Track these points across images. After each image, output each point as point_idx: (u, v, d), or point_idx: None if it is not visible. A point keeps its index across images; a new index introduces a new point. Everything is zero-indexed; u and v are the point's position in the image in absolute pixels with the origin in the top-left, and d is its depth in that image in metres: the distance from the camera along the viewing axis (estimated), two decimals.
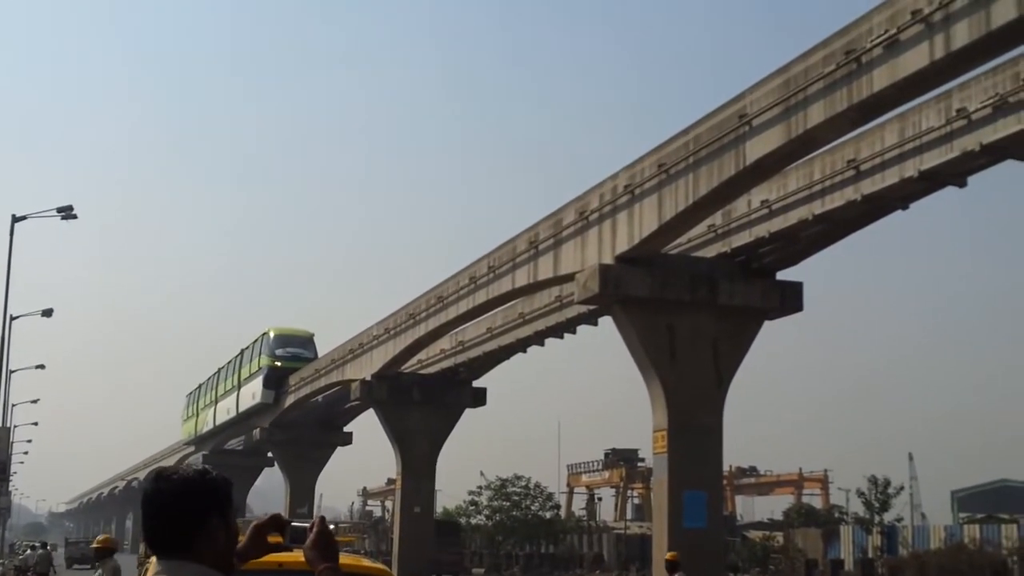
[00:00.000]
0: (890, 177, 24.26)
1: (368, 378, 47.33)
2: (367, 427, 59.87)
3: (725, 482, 70.17)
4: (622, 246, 26.86)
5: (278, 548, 3.45)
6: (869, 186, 24.80)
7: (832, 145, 23.91)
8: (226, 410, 73.82)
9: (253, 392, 65.42)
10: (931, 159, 23.39)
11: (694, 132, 24.17)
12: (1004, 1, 16.37)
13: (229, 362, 75.95)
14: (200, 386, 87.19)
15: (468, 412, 49.46)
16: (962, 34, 17.16)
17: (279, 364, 62.61)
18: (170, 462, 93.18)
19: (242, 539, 3.36)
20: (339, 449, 68.31)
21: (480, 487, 65.13)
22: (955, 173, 23.80)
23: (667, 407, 27.17)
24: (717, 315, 27.87)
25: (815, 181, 26.04)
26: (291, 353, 63.11)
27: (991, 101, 21.67)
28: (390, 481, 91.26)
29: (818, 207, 26.13)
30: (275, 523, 3.44)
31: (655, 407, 27.73)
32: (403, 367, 46.56)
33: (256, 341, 67.78)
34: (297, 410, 62.05)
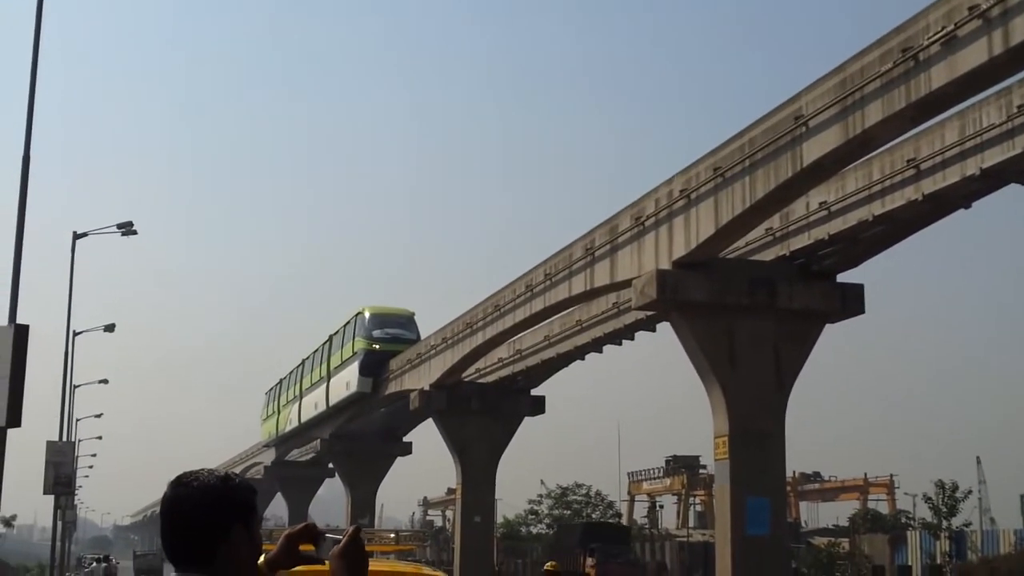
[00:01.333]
0: (951, 176, 23.86)
1: (427, 388, 47.48)
2: (427, 437, 60.01)
3: (788, 488, 69.50)
4: (679, 251, 26.69)
5: (310, 559, 3.25)
6: (930, 185, 24.41)
7: (891, 144, 23.58)
8: (313, 404, 66.29)
9: (347, 381, 57.55)
10: (992, 156, 22.98)
11: (749, 135, 23.97)
12: None
13: (316, 351, 68.15)
14: (281, 381, 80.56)
15: (527, 420, 49.44)
16: (1021, 29, 16.90)
17: (377, 347, 54.74)
18: (243, 467, 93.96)
19: (271, 548, 3.21)
20: (399, 459, 68.62)
21: (540, 496, 65.02)
22: (1018, 171, 23.37)
23: (728, 413, 26.92)
24: (777, 319, 27.56)
25: (874, 181, 25.69)
26: (391, 335, 55.19)
27: None
28: (450, 491, 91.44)
29: (878, 208, 25.75)
30: (308, 533, 3.23)
31: (716, 413, 27.49)
32: (461, 376, 46.64)
33: (348, 324, 59.57)
34: (359, 419, 62.34)
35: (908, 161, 24.70)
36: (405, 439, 67.01)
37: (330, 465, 74.55)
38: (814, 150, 21.76)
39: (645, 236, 28.23)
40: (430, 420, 51.19)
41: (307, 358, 70.49)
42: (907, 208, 25.36)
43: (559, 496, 64.27)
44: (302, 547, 3.24)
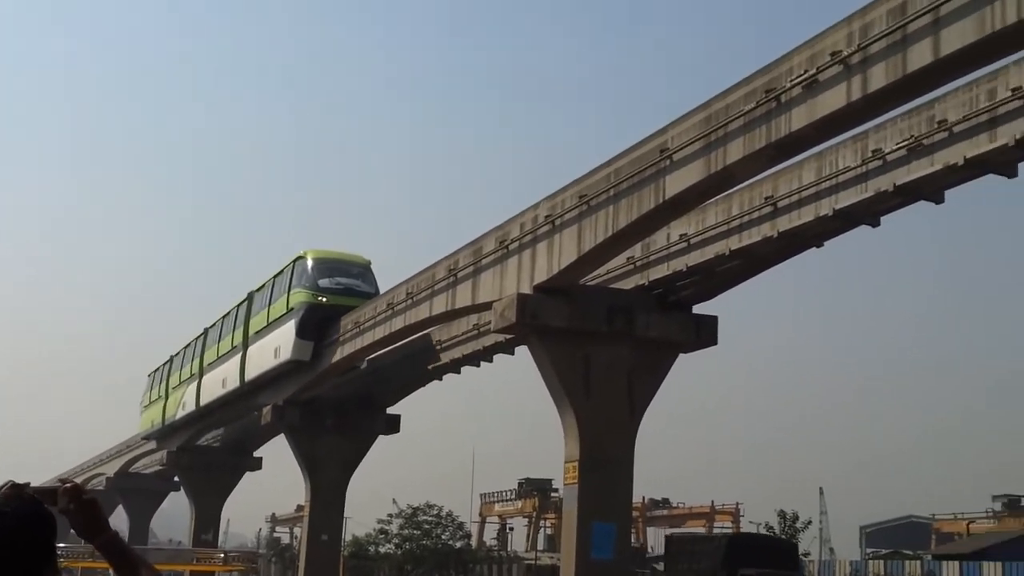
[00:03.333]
0: (806, 215, 24.60)
1: (280, 403, 46.65)
2: (278, 452, 58.56)
3: (637, 514, 70.47)
4: (541, 276, 26.86)
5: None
6: (786, 223, 25.12)
7: (751, 181, 24.20)
8: (220, 381, 52.00)
9: (277, 346, 43.97)
10: (846, 198, 23.77)
11: (615, 164, 24.28)
12: (920, 46, 16.67)
13: (225, 315, 54.47)
14: (172, 358, 65.20)
15: (382, 439, 49.00)
16: (879, 77, 17.46)
17: (324, 300, 42.07)
18: (84, 477, 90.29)
19: None
20: (248, 474, 67.20)
21: (391, 515, 64.51)
22: (869, 212, 24.20)
23: (579, 438, 27.15)
24: (633, 347, 27.97)
25: (733, 216, 26.31)
26: (343, 285, 42.70)
27: (905, 143, 22.09)
28: (299, 508, 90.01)
29: (735, 242, 26.39)
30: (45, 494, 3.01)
31: (568, 438, 27.70)
32: (316, 392, 45.98)
33: (281, 273, 46.23)
34: (206, 432, 60.81)
35: (766, 198, 25.36)
36: (256, 454, 65.69)
37: (175, 478, 72.53)
38: (677, 183, 22.14)
39: (508, 259, 28.33)
40: (282, 435, 50.24)
41: (211, 326, 57.06)
42: (762, 244, 26.05)
43: (409, 516, 63.83)
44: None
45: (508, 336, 32.07)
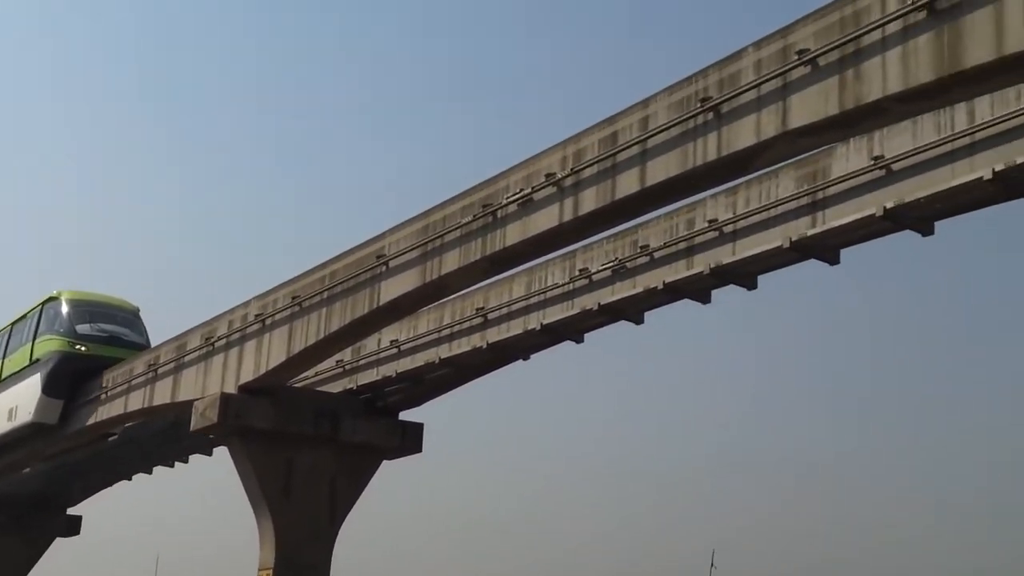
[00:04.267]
0: (515, 328, 25.26)
1: None
2: None
3: None
4: (247, 376, 26.19)
5: None
6: (495, 335, 25.69)
7: (464, 292, 24.64)
8: None
9: (14, 406, 35.80)
10: (553, 314, 24.59)
11: (331, 267, 24.16)
12: (628, 174, 17.55)
13: None
14: None
15: (60, 542, 45.72)
16: (589, 200, 18.22)
17: (83, 349, 34.84)
18: None
19: None
20: None
21: None
22: (574, 329, 25.10)
23: (276, 544, 26.39)
24: (338, 451, 27.65)
25: (444, 325, 26.68)
26: (107, 333, 35.51)
27: (610, 265, 23.16)
28: None
29: (445, 351, 26.73)
30: None
31: (263, 543, 26.85)
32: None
33: (26, 316, 38.32)
34: None
35: (478, 310, 25.89)
36: None
37: None
38: (393, 289, 22.25)
39: (214, 357, 27.48)
40: None
41: None
42: (472, 354, 26.51)
43: None
44: None
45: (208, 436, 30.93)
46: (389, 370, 27.79)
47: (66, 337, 34.97)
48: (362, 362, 28.44)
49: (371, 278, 22.78)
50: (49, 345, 35.30)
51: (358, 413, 28.34)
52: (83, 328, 35.19)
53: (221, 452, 32.79)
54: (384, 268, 22.40)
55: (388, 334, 27.25)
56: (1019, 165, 16.36)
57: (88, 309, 36.27)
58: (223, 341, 27.22)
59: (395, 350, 27.54)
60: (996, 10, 12.36)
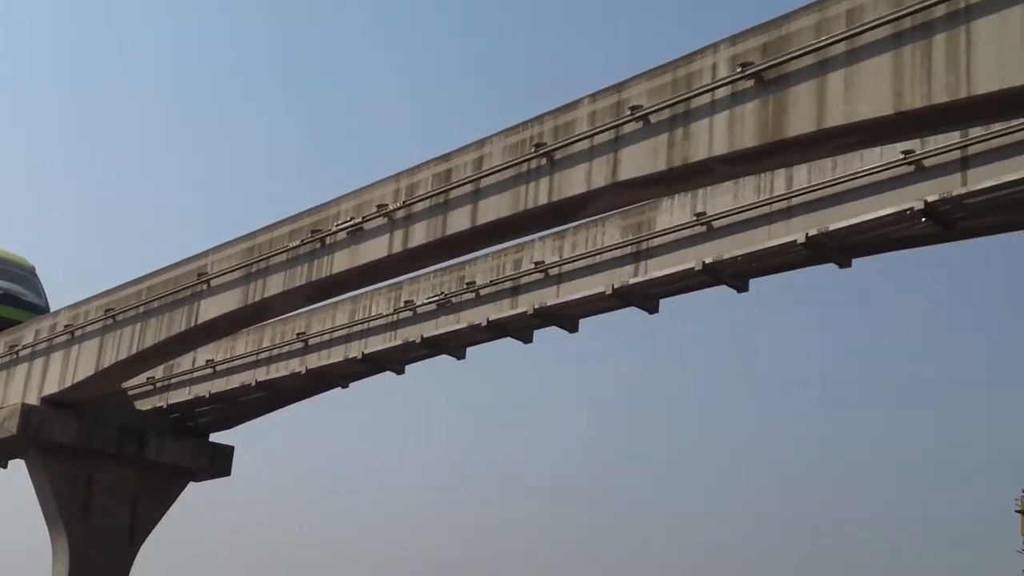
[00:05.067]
0: (336, 355, 25.03)
1: None
2: None
3: None
4: (52, 388, 25.15)
5: None
6: (315, 361, 25.39)
7: (286, 316, 24.29)
8: None
9: None
10: (375, 344, 24.46)
11: (149, 282, 23.47)
12: (460, 211, 17.65)
13: None
14: None
15: None
16: (420, 234, 18.25)
17: None
18: None
19: None
20: None
21: None
22: (395, 360, 25.02)
23: (69, 562, 25.40)
24: (142, 471, 26.92)
25: (263, 348, 26.22)
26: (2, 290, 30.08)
27: (436, 299, 23.21)
28: None
29: (263, 374, 26.27)
30: None
31: (56, 562, 25.82)
32: None
33: None
34: None
35: (299, 334, 25.54)
36: None
37: None
38: (212, 309, 21.77)
39: (17, 367, 26.29)
40: None
41: None
42: (289, 379, 26.13)
43: None
44: None
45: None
46: (203, 390, 27.14)
47: None
48: (174, 380, 27.67)
49: (191, 296, 22.24)
50: None
51: (166, 432, 27.60)
52: None
53: (17, 465, 31.38)
54: (205, 287, 21.91)
55: (204, 353, 26.61)
56: (830, 232, 17.12)
57: None
58: (28, 350, 26.09)
59: (210, 370, 26.91)
60: (819, 85, 12.97)
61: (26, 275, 31.79)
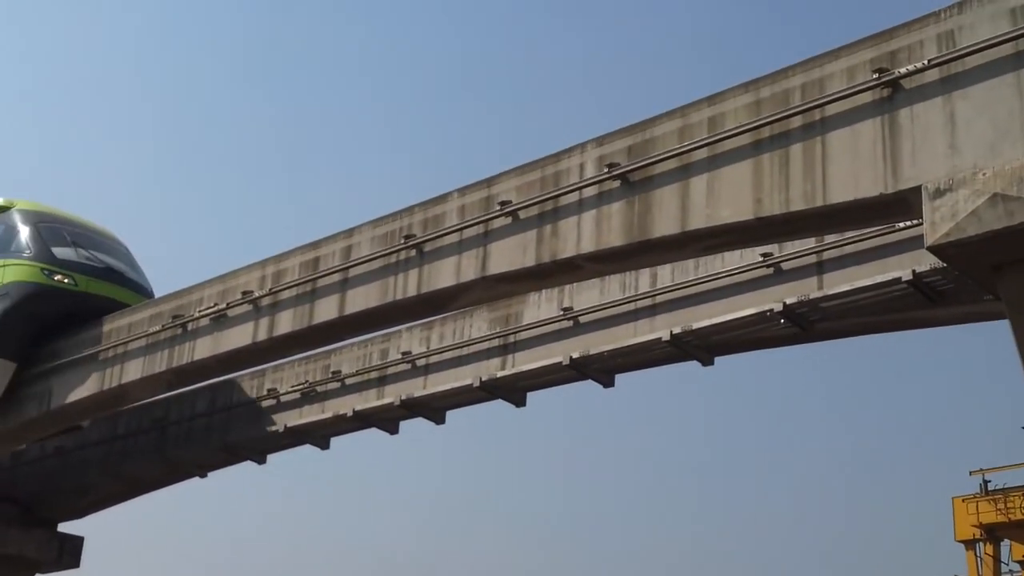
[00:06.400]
0: (196, 445, 24.35)
1: None
2: None
3: None
4: None
5: None
6: (173, 449, 24.66)
7: (142, 403, 23.56)
8: None
9: None
10: (237, 433, 23.89)
11: None
12: (327, 300, 17.45)
13: None
14: None
15: None
16: (286, 322, 18.01)
17: (68, 282, 22.55)
18: None
19: None
20: None
21: None
22: (257, 450, 24.46)
23: None
24: None
25: (119, 435, 25.38)
26: (101, 263, 23.33)
27: (300, 387, 22.83)
28: None
29: (117, 462, 25.41)
30: None
31: None
32: None
33: None
34: None
35: (155, 421, 24.82)
36: None
37: None
38: (65, 394, 21.01)
39: None
40: None
41: None
42: (147, 468, 25.35)
43: None
44: None
45: None
46: (51, 479, 26.06)
47: (38, 263, 22.95)
48: (22, 467, 26.53)
49: (40, 377, 21.42)
50: (10, 273, 22.96)
51: (12, 522, 26.37)
52: (64, 252, 23.24)
53: None
54: (54, 374, 21.13)
55: (54, 439, 25.58)
56: (694, 330, 17.43)
57: (66, 228, 24.14)
58: None
59: (59, 457, 25.89)
60: (682, 188, 13.26)
61: (124, 250, 24.99)
